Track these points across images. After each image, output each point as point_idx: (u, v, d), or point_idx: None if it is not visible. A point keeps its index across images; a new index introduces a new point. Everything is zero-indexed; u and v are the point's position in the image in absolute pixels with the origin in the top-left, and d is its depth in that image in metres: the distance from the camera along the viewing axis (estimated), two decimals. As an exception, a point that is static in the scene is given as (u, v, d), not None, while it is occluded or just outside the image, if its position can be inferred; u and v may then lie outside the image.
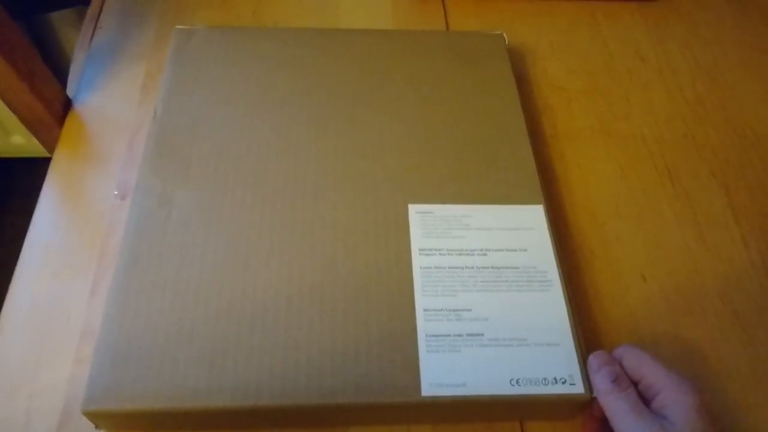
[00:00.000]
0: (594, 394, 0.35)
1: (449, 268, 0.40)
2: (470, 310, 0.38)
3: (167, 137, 0.45)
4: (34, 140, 0.52)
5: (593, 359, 0.36)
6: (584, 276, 0.45)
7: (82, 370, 0.39)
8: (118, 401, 0.34)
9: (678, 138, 0.54)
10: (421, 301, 0.38)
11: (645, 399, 0.34)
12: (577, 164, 0.51)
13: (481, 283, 0.39)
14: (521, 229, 0.42)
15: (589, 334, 0.42)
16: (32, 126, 0.50)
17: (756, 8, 0.64)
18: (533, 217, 0.43)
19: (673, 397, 0.33)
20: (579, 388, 0.36)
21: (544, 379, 0.36)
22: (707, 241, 0.47)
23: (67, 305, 0.42)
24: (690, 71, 0.58)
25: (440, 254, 0.40)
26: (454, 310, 0.38)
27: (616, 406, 0.33)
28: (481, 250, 0.41)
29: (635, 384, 0.35)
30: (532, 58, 0.58)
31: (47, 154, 0.51)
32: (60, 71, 0.56)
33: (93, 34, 0.58)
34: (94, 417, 0.35)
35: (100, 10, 0.60)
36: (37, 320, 0.41)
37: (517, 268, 0.40)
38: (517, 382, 0.36)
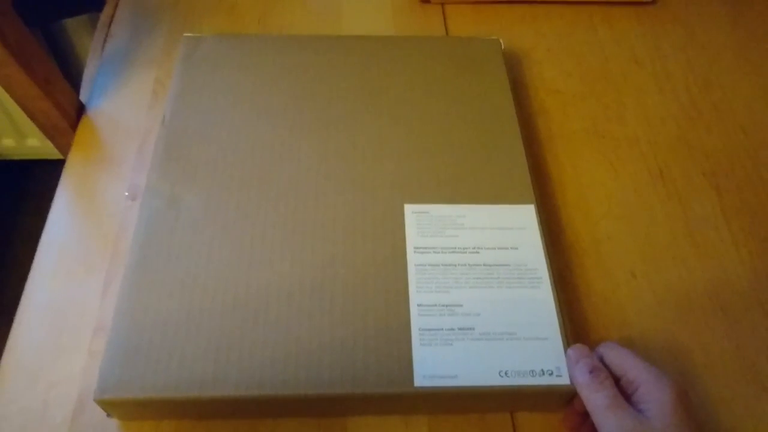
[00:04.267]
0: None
1: (443, 265, 0.42)
2: (462, 305, 0.40)
3: (175, 141, 0.47)
4: (49, 143, 0.55)
5: (571, 352, 0.38)
6: (575, 273, 0.47)
7: (95, 362, 0.41)
8: (129, 391, 0.36)
9: (671, 140, 0.55)
10: (415, 297, 0.40)
11: (626, 394, 0.35)
12: (571, 165, 0.53)
13: (473, 279, 0.41)
14: (513, 228, 0.44)
15: (579, 330, 0.44)
16: (47, 131, 0.53)
17: (751, 12, 0.65)
18: (525, 216, 0.44)
19: (651, 392, 0.34)
20: (565, 380, 0.37)
21: (532, 371, 0.37)
22: (697, 240, 0.49)
23: (81, 302, 0.44)
24: (684, 75, 0.60)
25: (434, 252, 0.42)
26: (446, 306, 0.40)
27: (594, 399, 0.35)
28: (474, 248, 0.42)
29: (617, 380, 0.36)
30: (528, 62, 0.60)
31: (62, 156, 0.53)
32: (74, 77, 0.58)
33: (105, 42, 0.60)
34: (106, 405, 0.37)
35: (112, 18, 0.62)
36: (52, 316, 0.44)
37: (508, 265, 0.42)
38: (506, 373, 0.37)
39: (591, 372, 0.36)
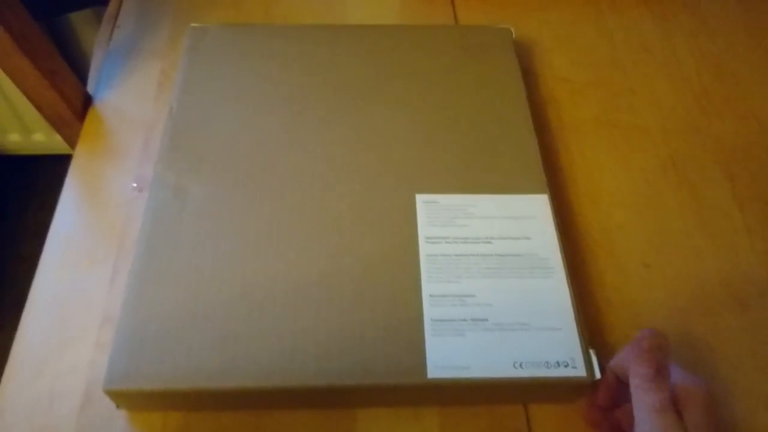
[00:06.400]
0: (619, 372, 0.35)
1: (454, 255, 0.41)
2: (474, 295, 0.39)
3: (181, 132, 0.47)
4: (55, 137, 0.55)
5: (647, 334, 0.34)
6: (588, 264, 0.46)
7: (102, 354, 0.41)
8: (137, 381, 0.36)
9: (682, 128, 0.54)
10: (426, 287, 0.40)
11: None
12: (582, 155, 0.52)
13: (486, 269, 0.40)
14: (525, 218, 0.43)
15: (591, 321, 0.43)
16: (54, 122, 0.52)
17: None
18: (537, 206, 0.44)
19: (685, 396, 0.32)
20: (580, 371, 0.37)
21: (547, 362, 0.37)
22: (710, 229, 0.48)
23: (88, 293, 0.44)
24: (695, 62, 0.59)
25: (446, 242, 0.42)
26: (458, 296, 0.39)
27: (648, 397, 0.32)
28: (486, 238, 0.42)
29: None
30: (538, 51, 0.59)
31: (67, 151, 0.53)
32: (80, 69, 0.58)
33: (111, 33, 0.60)
34: (115, 396, 0.37)
35: (118, 10, 0.61)
36: (60, 308, 0.43)
37: (521, 255, 0.41)
38: (521, 365, 0.37)
39: (658, 371, 0.32)
